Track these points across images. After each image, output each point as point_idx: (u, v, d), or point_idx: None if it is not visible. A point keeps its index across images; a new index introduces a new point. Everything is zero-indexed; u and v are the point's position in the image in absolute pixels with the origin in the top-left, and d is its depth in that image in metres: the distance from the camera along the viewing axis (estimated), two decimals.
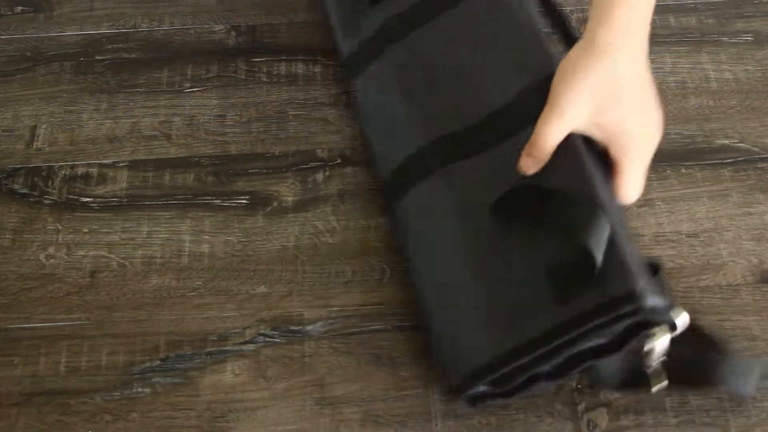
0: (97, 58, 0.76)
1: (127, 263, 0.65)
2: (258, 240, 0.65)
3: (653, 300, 0.50)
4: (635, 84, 0.54)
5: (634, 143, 0.54)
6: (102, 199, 0.68)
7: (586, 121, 0.53)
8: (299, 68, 0.75)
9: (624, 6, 0.53)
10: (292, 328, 0.61)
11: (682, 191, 0.67)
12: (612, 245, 0.50)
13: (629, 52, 0.53)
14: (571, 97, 0.53)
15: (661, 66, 0.74)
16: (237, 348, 0.60)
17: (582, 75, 0.53)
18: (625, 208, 0.58)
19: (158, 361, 0.60)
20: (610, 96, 0.53)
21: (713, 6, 0.78)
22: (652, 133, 0.55)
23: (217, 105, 0.71)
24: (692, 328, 0.52)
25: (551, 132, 0.53)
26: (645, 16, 0.54)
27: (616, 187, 0.55)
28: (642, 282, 0.50)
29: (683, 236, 0.65)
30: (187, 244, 0.65)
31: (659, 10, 0.78)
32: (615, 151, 0.54)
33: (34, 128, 0.72)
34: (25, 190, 0.69)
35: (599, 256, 0.50)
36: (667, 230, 0.65)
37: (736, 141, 0.69)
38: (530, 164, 0.54)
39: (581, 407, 0.57)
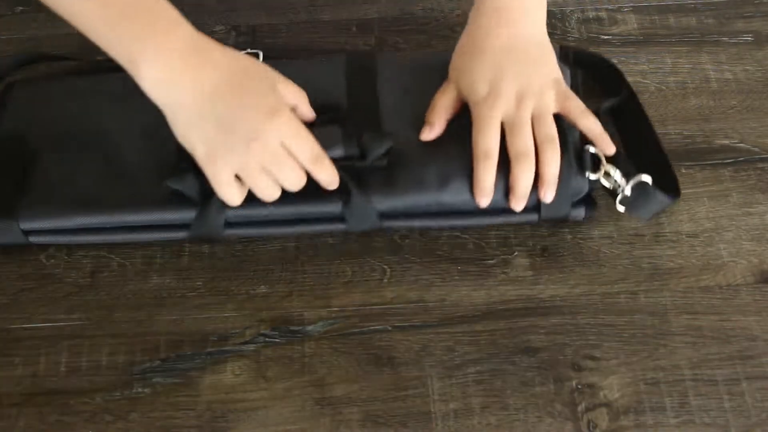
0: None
1: (127, 263, 0.65)
2: (258, 240, 0.65)
3: None
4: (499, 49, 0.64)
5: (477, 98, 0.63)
6: None
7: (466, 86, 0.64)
8: None
9: None
10: (293, 328, 0.61)
11: (682, 191, 0.66)
12: None
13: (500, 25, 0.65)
14: (454, 74, 0.66)
15: (661, 66, 0.74)
16: (237, 348, 0.61)
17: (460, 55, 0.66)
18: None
19: (158, 361, 0.60)
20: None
21: (713, 6, 0.78)
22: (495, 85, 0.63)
23: None
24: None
25: (439, 97, 0.65)
26: None
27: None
28: None
29: (683, 236, 0.65)
30: (187, 244, 0.65)
31: (659, 10, 0.78)
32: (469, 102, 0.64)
33: None
34: None
35: None
36: (667, 230, 0.65)
37: (736, 141, 0.69)
38: (428, 131, 0.64)
39: (581, 407, 0.57)
